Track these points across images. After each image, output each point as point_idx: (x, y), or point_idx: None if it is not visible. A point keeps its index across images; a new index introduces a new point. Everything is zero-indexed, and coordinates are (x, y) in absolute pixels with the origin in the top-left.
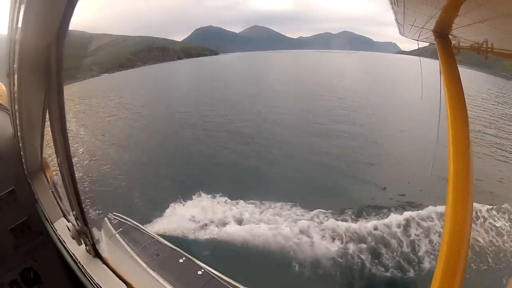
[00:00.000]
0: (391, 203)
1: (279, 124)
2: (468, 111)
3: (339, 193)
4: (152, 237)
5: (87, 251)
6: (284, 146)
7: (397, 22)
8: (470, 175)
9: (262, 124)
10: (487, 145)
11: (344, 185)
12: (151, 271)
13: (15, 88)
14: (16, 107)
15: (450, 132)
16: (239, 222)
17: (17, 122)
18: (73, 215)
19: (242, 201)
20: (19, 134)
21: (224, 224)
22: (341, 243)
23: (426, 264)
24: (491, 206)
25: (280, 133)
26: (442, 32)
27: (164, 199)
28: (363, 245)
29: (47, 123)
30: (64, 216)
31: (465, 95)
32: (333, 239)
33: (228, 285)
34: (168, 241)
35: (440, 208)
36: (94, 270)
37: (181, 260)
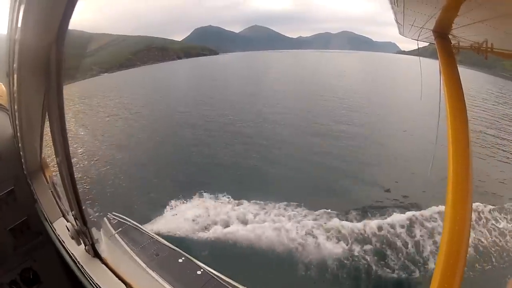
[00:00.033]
0: (394, 203)
1: (279, 123)
2: (468, 111)
3: (341, 193)
4: (151, 237)
5: (86, 251)
6: (285, 146)
7: (397, 22)
8: (470, 175)
9: (262, 124)
10: (489, 146)
11: (346, 185)
12: (150, 271)
13: (15, 88)
14: (16, 107)
15: (449, 132)
16: (243, 222)
17: (17, 122)
18: (72, 215)
19: (245, 201)
20: (18, 134)
21: (227, 224)
22: (346, 244)
23: (431, 265)
24: (494, 207)
25: (280, 133)
26: (442, 32)
27: (165, 199)
28: (369, 246)
29: (47, 123)
30: (64, 216)
31: (465, 95)
32: (338, 240)
33: (227, 285)
34: (168, 241)
35: (443, 208)
36: (93, 270)
37: (180, 260)
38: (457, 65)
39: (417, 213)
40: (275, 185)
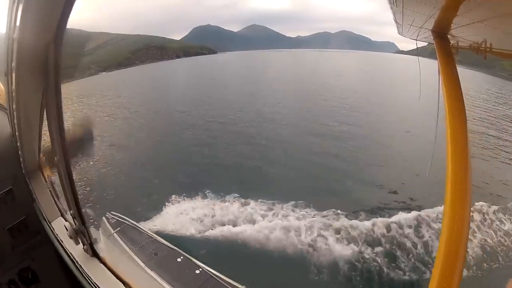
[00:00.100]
0: (402, 206)
1: (279, 123)
2: (469, 112)
3: (345, 194)
4: (150, 236)
5: (84, 251)
6: (285, 146)
7: (396, 22)
8: (469, 174)
9: (262, 123)
10: (491, 147)
11: (350, 186)
12: (149, 270)
13: (13, 87)
14: (14, 106)
15: (448, 132)
16: (251, 222)
17: (15, 121)
18: (71, 214)
19: (252, 201)
20: (17, 133)
21: (234, 224)
22: (357, 246)
23: None
24: (497, 207)
25: (281, 133)
26: (440, 32)
27: (166, 199)
28: (379, 248)
29: (45, 123)
30: (62, 215)
31: (464, 95)
32: (348, 241)
33: (226, 284)
34: (166, 240)
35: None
36: (92, 270)
37: (179, 259)
38: (456, 65)
39: (422, 213)
40: (275, 185)
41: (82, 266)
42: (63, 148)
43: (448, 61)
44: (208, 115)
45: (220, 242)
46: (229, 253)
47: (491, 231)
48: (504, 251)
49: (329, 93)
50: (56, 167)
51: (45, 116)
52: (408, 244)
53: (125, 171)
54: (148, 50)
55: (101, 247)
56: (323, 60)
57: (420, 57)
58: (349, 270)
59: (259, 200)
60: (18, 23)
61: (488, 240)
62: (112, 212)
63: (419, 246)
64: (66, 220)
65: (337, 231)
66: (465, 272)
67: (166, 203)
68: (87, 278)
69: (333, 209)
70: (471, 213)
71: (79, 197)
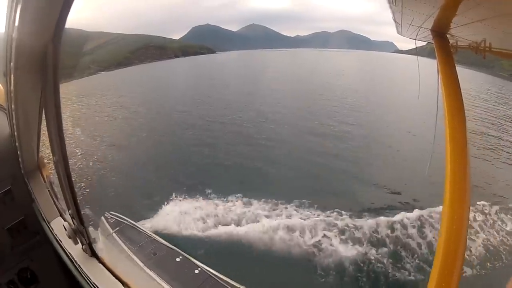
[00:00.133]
0: (405, 207)
1: (279, 123)
2: (469, 112)
3: (348, 194)
4: (149, 236)
5: (83, 250)
6: (284, 146)
7: (395, 21)
8: (468, 174)
9: (262, 123)
10: (493, 148)
11: (351, 186)
12: (148, 270)
13: (12, 87)
14: (13, 106)
15: (447, 131)
16: (254, 222)
17: (14, 121)
18: (69, 214)
19: (256, 201)
20: (15, 133)
21: (238, 224)
22: (361, 246)
23: None
24: (499, 207)
25: (280, 133)
26: (440, 31)
27: (167, 199)
28: (384, 249)
29: (44, 122)
30: (61, 215)
31: (465, 95)
32: (353, 242)
33: (224, 284)
34: (165, 240)
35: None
36: (91, 270)
37: (178, 259)
38: (455, 64)
39: (425, 212)
40: (275, 184)
41: (81, 266)
42: (62, 148)
43: (447, 60)
44: (208, 115)
45: (223, 242)
46: (232, 253)
47: (494, 231)
48: (506, 250)
49: (329, 93)
50: (55, 167)
51: (43, 116)
52: (413, 244)
53: (125, 171)
54: (147, 49)
55: (100, 247)
56: (322, 59)
57: (419, 57)
58: (355, 271)
59: (263, 199)
60: (16, 23)
61: (491, 239)
62: (111, 212)
63: (423, 247)
64: (65, 220)
65: (342, 232)
66: (469, 271)
67: (166, 203)
68: (86, 278)
69: (337, 209)
70: (474, 213)
71: (78, 197)
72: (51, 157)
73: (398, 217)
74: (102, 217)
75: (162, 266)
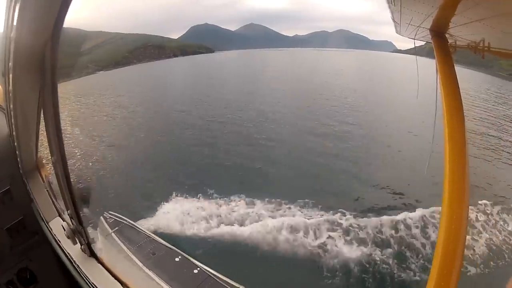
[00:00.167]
0: (408, 208)
1: (278, 123)
2: (469, 112)
3: (350, 195)
4: (148, 236)
5: (82, 251)
6: (284, 146)
7: (394, 21)
8: (466, 173)
9: (262, 123)
10: (493, 148)
11: (353, 187)
12: (147, 270)
13: (10, 87)
14: (12, 106)
15: (446, 131)
16: (256, 222)
17: (12, 121)
18: (68, 215)
19: (258, 201)
20: (14, 133)
21: (241, 224)
22: (365, 247)
23: None
24: (500, 207)
25: (280, 132)
26: (438, 31)
27: (167, 199)
28: (389, 250)
29: (43, 122)
30: (60, 215)
31: (464, 95)
32: (358, 242)
33: (224, 284)
34: (164, 240)
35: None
36: (89, 270)
37: (177, 259)
38: (454, 64)
39: (426, 211)
40: (275, 185)
41: (80, 266)
42: (60, 148)
43: (446, 60)
44: (207, 114)
45: (225, 242)
46: (236, 254)
47: (496, 231)
48: (509, 249)
49: (329, 92)
50: (53, 167)
51: (42, 116)
52: (417, 244)
53: (125, 171)
54: (146, 49)
55: (99, 247)
56: (321, 59)
57: (418, 56)
58: (361, 272)
59: (266, 199)
60: (15, 22)
61: (494, 239)
62: (110, 212)
63: (427, 247)
64: (63, 220)
65: (346, 232)
66: (473, 270)
67: (166, 202)
68: (85, 278)
69: (340, 209)
70: (476, 213)
71: (76, 197)
72: (50, 157)
73: (401, 216)
74: (101, 217)
75: (161, 266)
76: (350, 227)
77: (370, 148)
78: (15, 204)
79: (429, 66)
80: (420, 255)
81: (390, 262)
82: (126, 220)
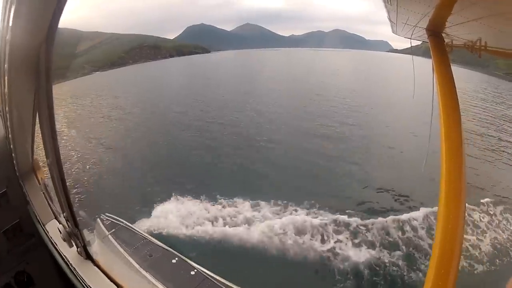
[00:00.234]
0: (411, 207)
1: (275, 123)
2: (468, 112)
3: (351, 196)
4: (144, 237)
5: (78, 253)
6: (282, 146)
7: (390, 21)
8: (463, 173)
9: (261, 124)
10: (494, 148)
11: (353, 187)
12: (143, 272)
13: (6, 89)
14: (7, 108)
15: (442, 130)
16: (259, 222)
17: (8, 123)
18: (64, 217)
19: (264, 202)
20: (10, 135)
21: (248, 226)
22: (374, 249)
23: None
24: (503, 207)
25: (278, 133)
26: (435, 31)
27: (168, 198)
28: (398, 252)
29: (38, 124)
30: (56, 218)
31: (461, 95)
32: (366, 245)
33: (221, 285)
34: (161, 242)
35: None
36: (86, 272)
37: (174, 261)
38: (450, 63)
39: (429, 210)
40: (275, 186)
41: (76, 269)
42: (55, 150)
43: (442, 59)
44: (205, 115)
45: (229, 242)
46: (240, 255)
47: (500, 230)
48: None
49: (326, 92)
50: (49, 169)
51: (37, 117)
52: (424, 245)
53: (122, 172)
54: (142, 49)
55: (95, 249)
56: (317, 59)
57: (414, 56)
58: (372, 275)
59: (272, 201)
60: (10, 23)
61: (498, 237)
62: (106, 214)
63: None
64: (59, 223)
65: (354, 235)
66: (480, 268)
67: (165, 203)
68: (81, 281)
69: (348, 210)
70: (479, 213)
71: (72, 200)
72: (46, 159)
73: (405, 216)
74: (98, 219)
75: (158, 267)
76: (357, 228)
77: (369, 148)
78: (12, 206)
79: (426, 65)
80: (429, 256)
81: (400, 263)
82: (123, 222)
